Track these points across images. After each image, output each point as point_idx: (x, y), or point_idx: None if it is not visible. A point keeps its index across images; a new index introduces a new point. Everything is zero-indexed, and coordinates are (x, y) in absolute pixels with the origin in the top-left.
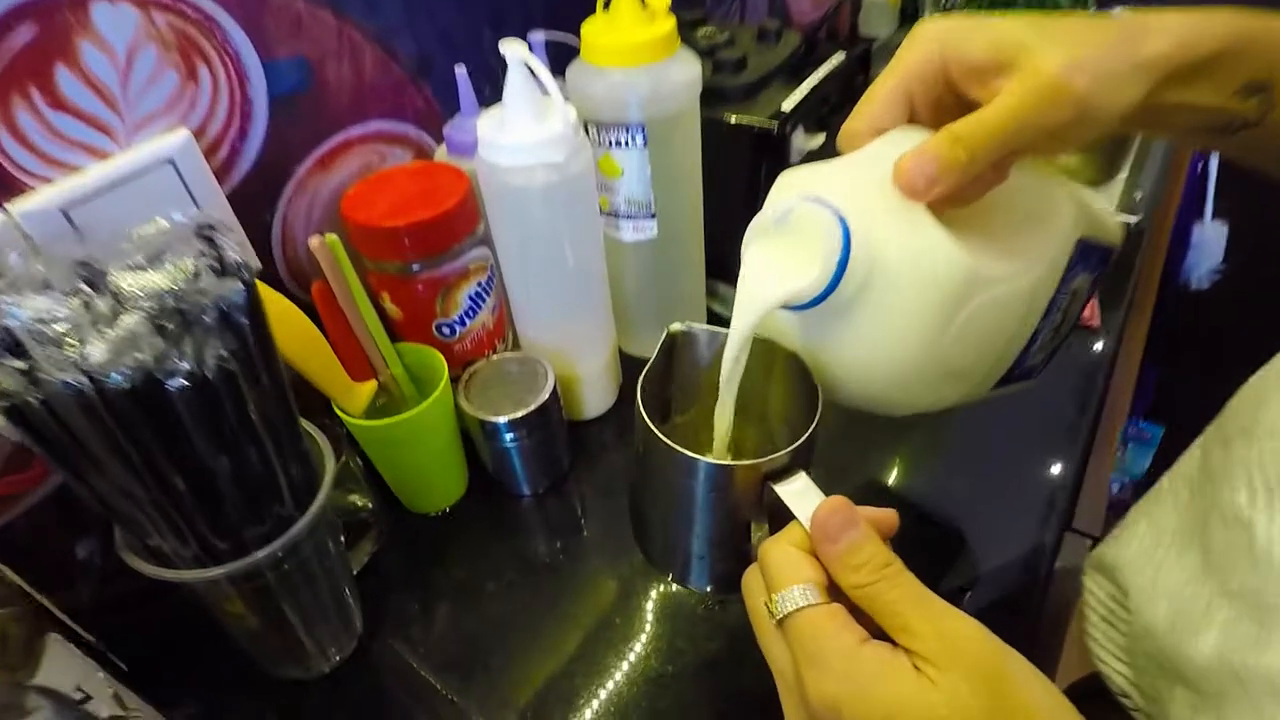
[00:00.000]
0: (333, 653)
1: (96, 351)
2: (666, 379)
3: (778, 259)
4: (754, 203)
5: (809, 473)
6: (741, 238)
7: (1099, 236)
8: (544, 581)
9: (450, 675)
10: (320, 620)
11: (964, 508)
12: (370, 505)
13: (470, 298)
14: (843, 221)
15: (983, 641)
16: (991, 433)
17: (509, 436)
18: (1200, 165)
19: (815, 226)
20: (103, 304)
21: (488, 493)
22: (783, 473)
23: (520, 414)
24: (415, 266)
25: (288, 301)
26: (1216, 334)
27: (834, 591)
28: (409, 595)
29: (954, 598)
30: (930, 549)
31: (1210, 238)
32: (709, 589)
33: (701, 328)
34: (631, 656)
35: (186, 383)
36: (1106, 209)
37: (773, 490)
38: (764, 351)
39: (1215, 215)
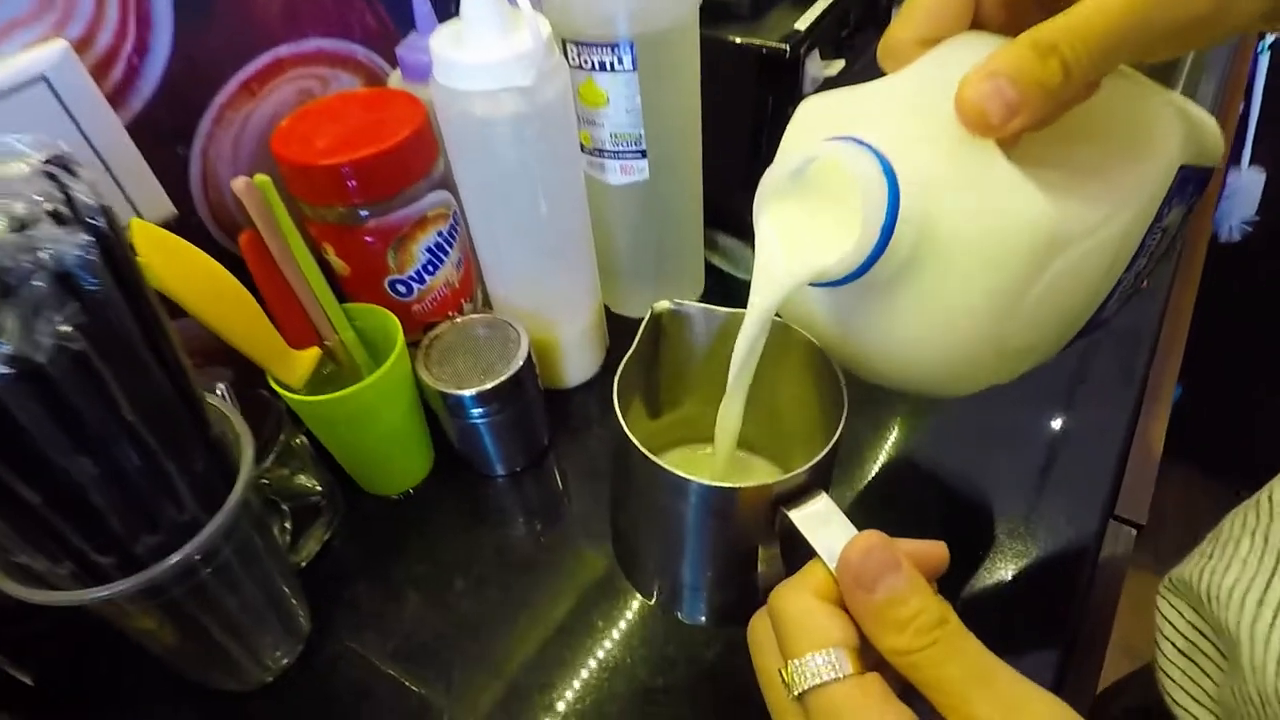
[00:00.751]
0: (278, 657)
1: None
2: (652, 366)
3: (801, 223)
4: (760, 140)
5: (829, 492)
6: (744, 180)
7: (1201, 159)
8: (518, 576)
9: (412, 682)
10: (253, 629)
11: (991, 489)
12: (321, 487)
13: (429, 250)
14: (887, 170)
15: None
16: (1023, 406)
17: (476, 412)
18: (1242, 106)
19: (849, 177)
20: None
21: (456, 472)
22: (798, 494)
23: (489, 385)
24: (362, 213)
25: (201, 253)
26: (1245, 290)
27: (866, 651)
28: (366, 590)
29: (984, 596)
30: (953, 536)
31: (1245, 186)
32: (704, 621)
33: (694, 306)
34: (617, 666)
35: (8, 370)
36: (1209, 120)
37: (786, 517)
38: (775, 334)
39: (1253, 161)
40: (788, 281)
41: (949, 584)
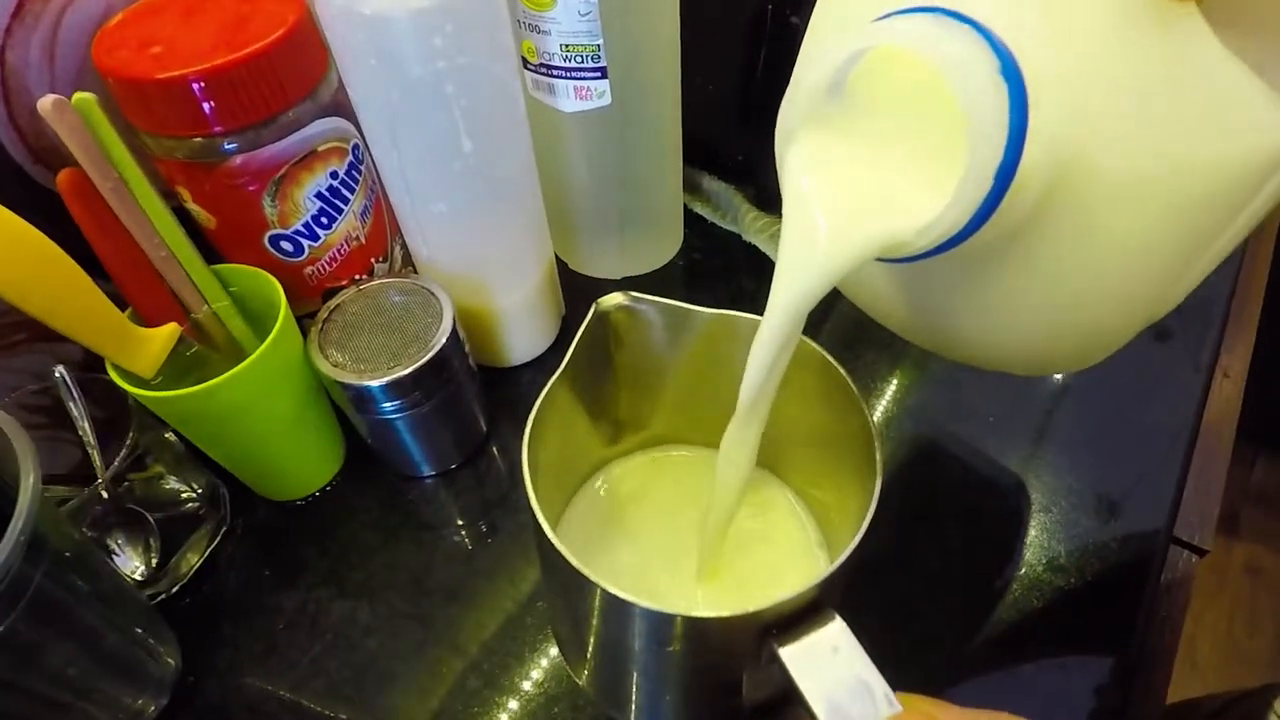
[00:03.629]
0: (136, 709)
1: None
2: (601, 378)
3: (855, 164)
4: (757, 57)
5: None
6: (736, 108)
7: None
8: (441, 607)
9: None
10: (80, 695)
11: (1025, 505)
12: (199, 491)
13: (320, 196)
14: (1006, 64)
15: None
16: (1062, 401)
17: (388, 405)
18: None
19: (935, 81)
20: None
21: (373, 469)
22: (798, 620)
23: (402, 373)
24: (226, 146)
25: None
26: None
27: None
28: (254, 619)
29: (1021, 632)
30: (980, 561)
31: None
32: None
33: (652, 301)
34: None
35: None
36: None
37: (779, 657)
38: None
39: None
40: (833, 263)
41: (975, 622)
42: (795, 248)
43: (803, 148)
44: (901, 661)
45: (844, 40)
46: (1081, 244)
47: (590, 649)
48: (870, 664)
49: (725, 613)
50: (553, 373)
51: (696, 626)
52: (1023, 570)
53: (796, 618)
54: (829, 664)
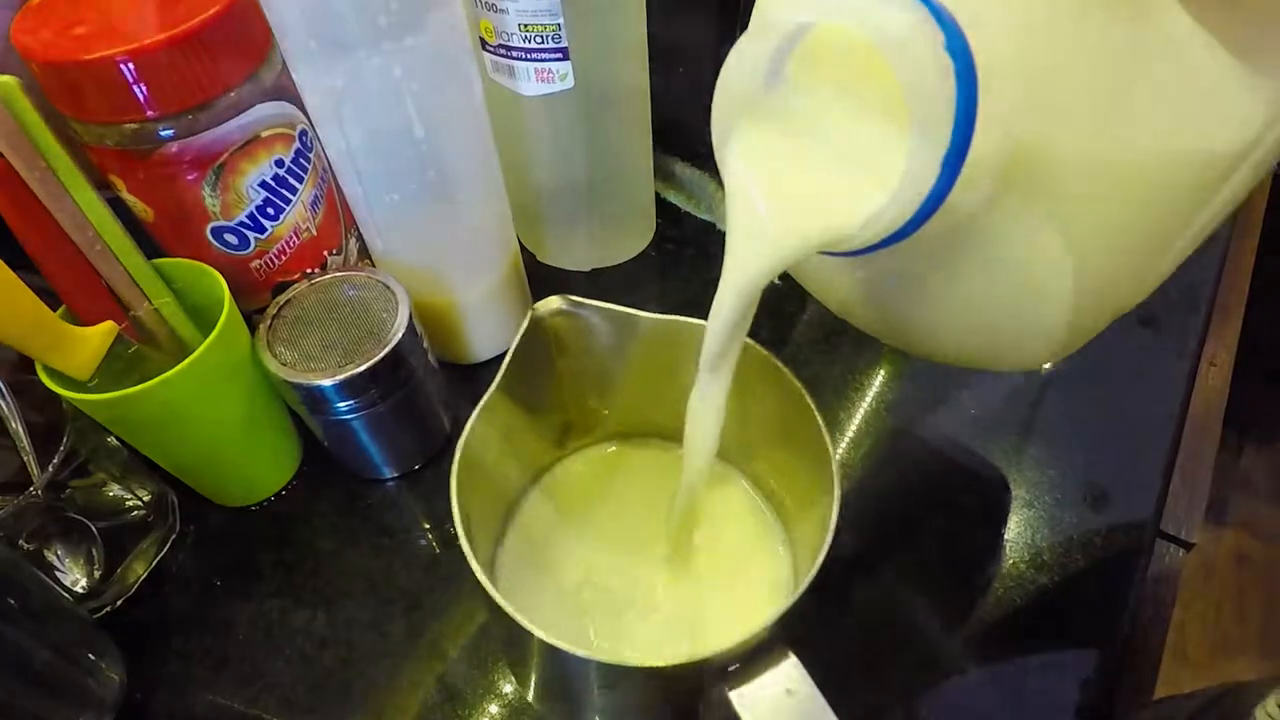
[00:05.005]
0: None
1: None
2: (544, 381)
3: (797, 154)
4: (731, 36)
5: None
6: (708, 92)
7: None
8: (402, 614)
9: None
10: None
11: (1008, 499)
12: (147, 497)
13: (265, 185)
14: (953, 40)
15: None
16: (1045, 392)
17: (342, 406)
18: None
19: (877, 59)
20: None
21: (331, 472)
22: (753, 658)
23: (355, 371)
24: (162, 132)
25: None
26: None
27: None
28: (204, 631)
29: (1004, 631)
30: (959, 561)
31: None
32: None
33: (593, 305)
34: None
35: None
36: None
37: (730, 703)
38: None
39: None
40: (775, 259)
41: (957, 621)
42: (739, 241)
43: (742, 142)
44: (881, 663)
45: (782, 14)
46: (1039, 236)
47: (540, 684)
48: (826, 706)
49: (667, 662)
50: None
51: (642, 676)
52: (1006, 567)
53: (749, 656)
54: (782, 709)
